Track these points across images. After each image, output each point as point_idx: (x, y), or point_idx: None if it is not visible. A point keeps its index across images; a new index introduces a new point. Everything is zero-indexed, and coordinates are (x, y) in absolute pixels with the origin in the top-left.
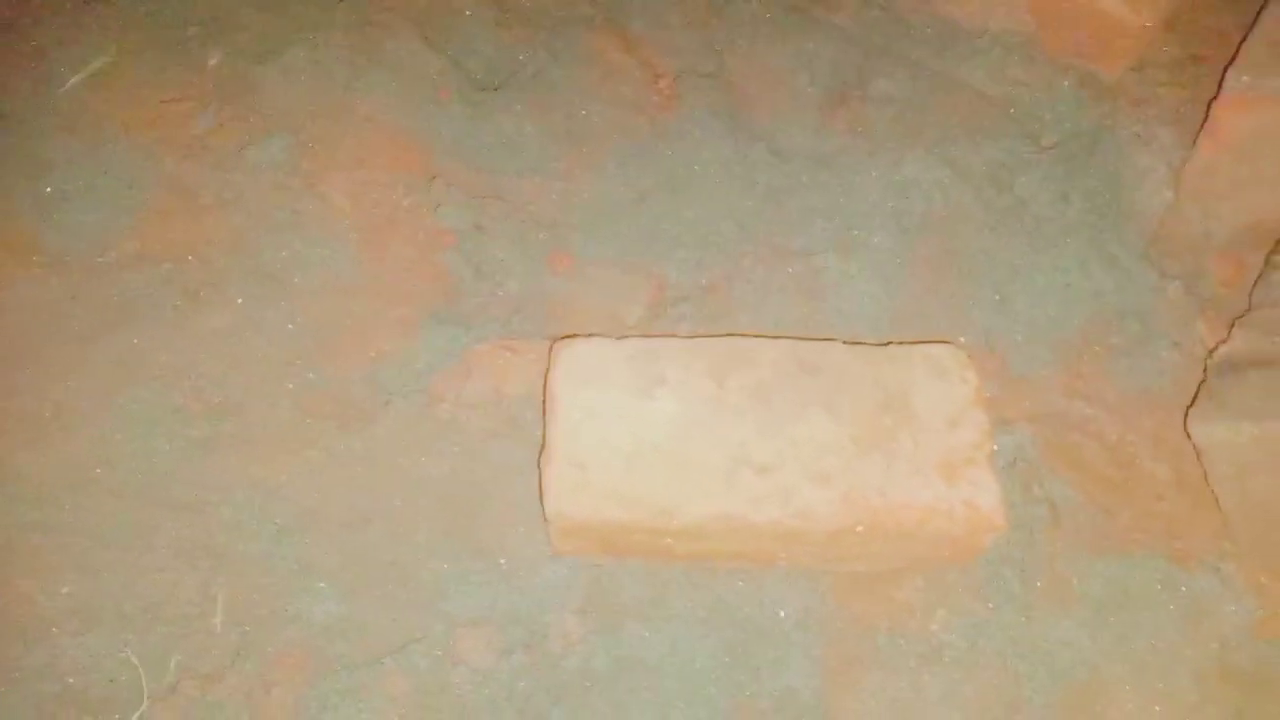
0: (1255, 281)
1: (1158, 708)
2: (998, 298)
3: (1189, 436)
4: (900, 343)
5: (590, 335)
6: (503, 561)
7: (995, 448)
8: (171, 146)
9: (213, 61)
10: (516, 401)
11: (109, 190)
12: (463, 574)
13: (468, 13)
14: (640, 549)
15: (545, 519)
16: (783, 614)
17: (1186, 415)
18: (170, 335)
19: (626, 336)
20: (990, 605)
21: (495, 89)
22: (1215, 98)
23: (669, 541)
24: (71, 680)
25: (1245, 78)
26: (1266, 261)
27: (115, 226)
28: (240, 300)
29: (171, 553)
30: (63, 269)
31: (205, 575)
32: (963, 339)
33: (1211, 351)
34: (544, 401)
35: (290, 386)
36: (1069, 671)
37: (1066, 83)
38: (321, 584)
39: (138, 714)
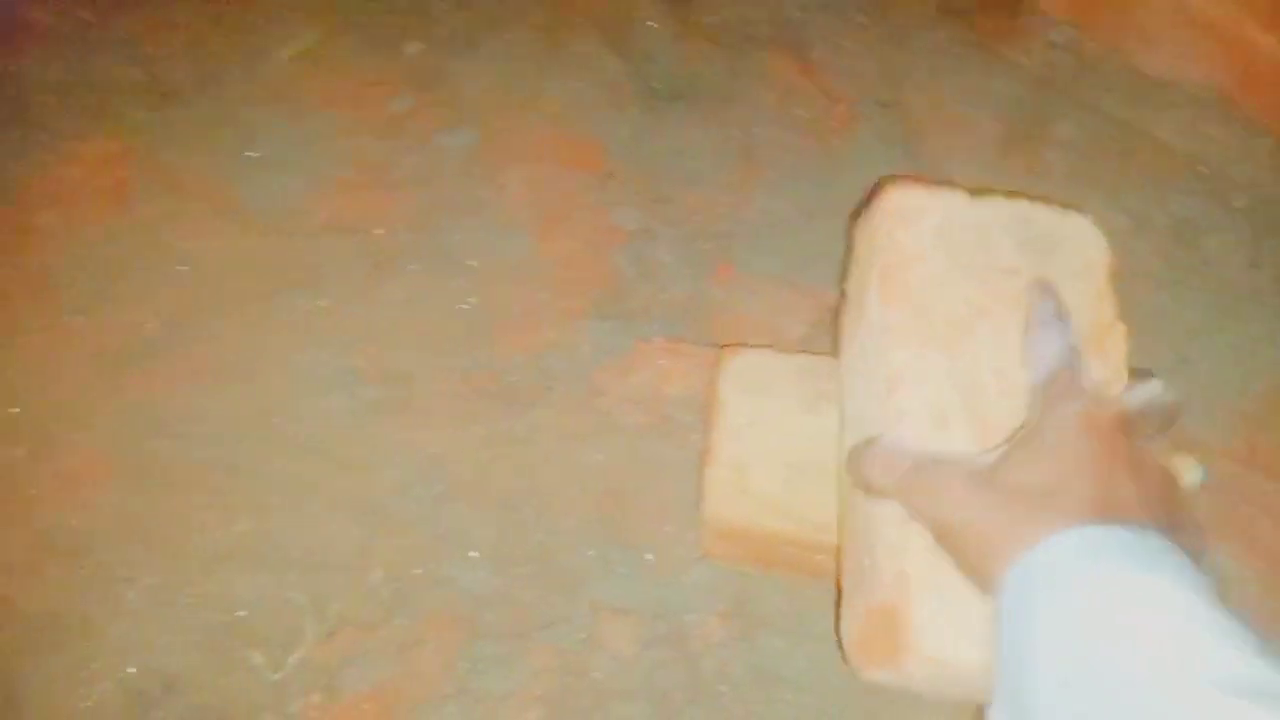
0: None
1: None
2: (1176, 359)
3: None
4: None
5: (758, 345)
6: (649, 557)
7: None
8: (368, 126)
9: (411, 50)
10: (675, 402)
11: (307, 161)
12: (609, 563)
13: (651, 24)
14: (790, 562)
15: (700, 520)
16: None
17: None
18: (352, 301)
19: (795, 352)
20: None
21: (673, 99)
22: None
23: (820, 559)
24: (241, 613)
25: None
26: None
27: (310, 195)
28: (420, 275)
29: (338, 506)
30: (259, 230)
31: (367, 531)
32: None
33: None
34: (706, 404)
35: (460, 362)
36: None
37: (1263, 146)
38: (474, 553)
39: (299, 653)
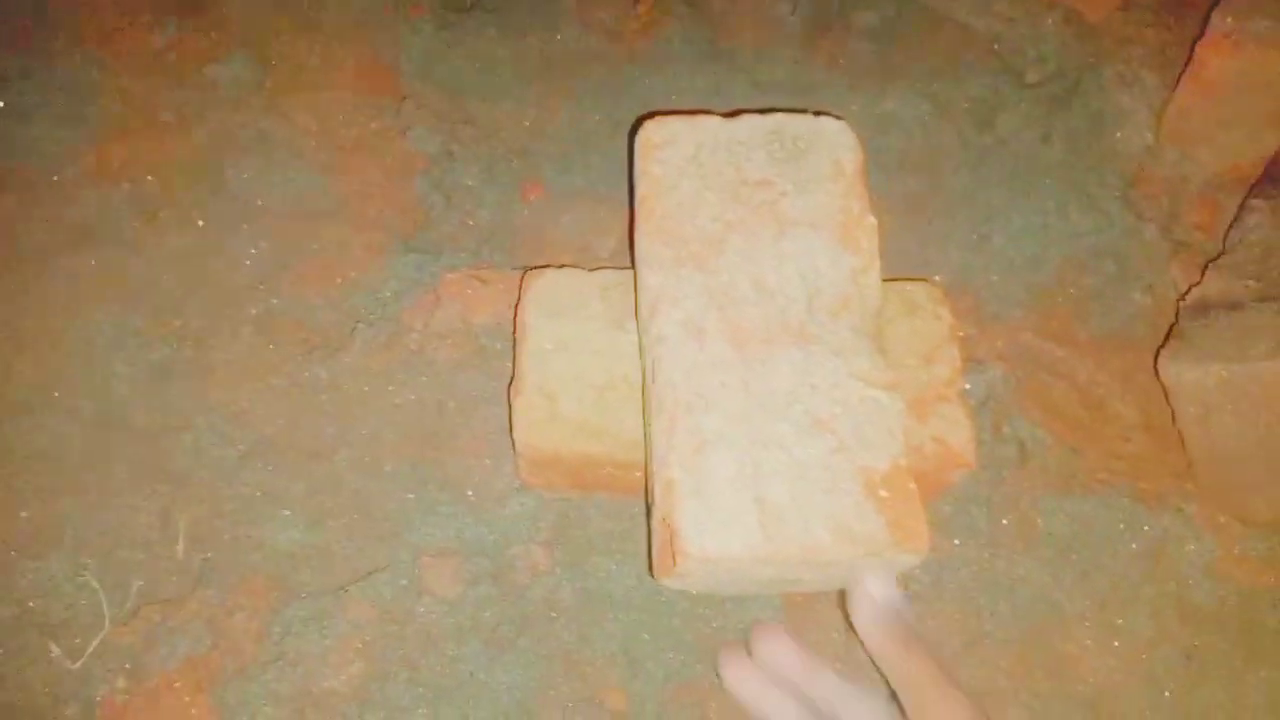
0: (1229, 225)
1: (1115, 643)
2: (975, 237)
3: (1158, 378)
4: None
5: (562, 265)
6: (470, 493)
7: (967, 386)
8: (128, 62)
9: None
10: (486, 332)
11: (64, 107)
12: (429, 504)
13: None
14: (609, 483)
15: (514, 450)
16: None
17: (1156, 357)
18: (128, 257)
19: (600, 268)
20: (956, 541)
21: (468, 9)
22: (1198, 39)
23: (638, 475)
24: (31, 604)
25: (1229, 20)
26: (1241, 205)
27: (71, 144)
28: (201, 222)
29: (131, 478)
30: (16, 187)
31: (166, 501)
32: (939, 277)
33: (1184, 294)
34: (514, 332)
35: (253, 312)
36: (1030, 607)
37: (1051, 20)
38: (285, 512)
39: (99, 638)
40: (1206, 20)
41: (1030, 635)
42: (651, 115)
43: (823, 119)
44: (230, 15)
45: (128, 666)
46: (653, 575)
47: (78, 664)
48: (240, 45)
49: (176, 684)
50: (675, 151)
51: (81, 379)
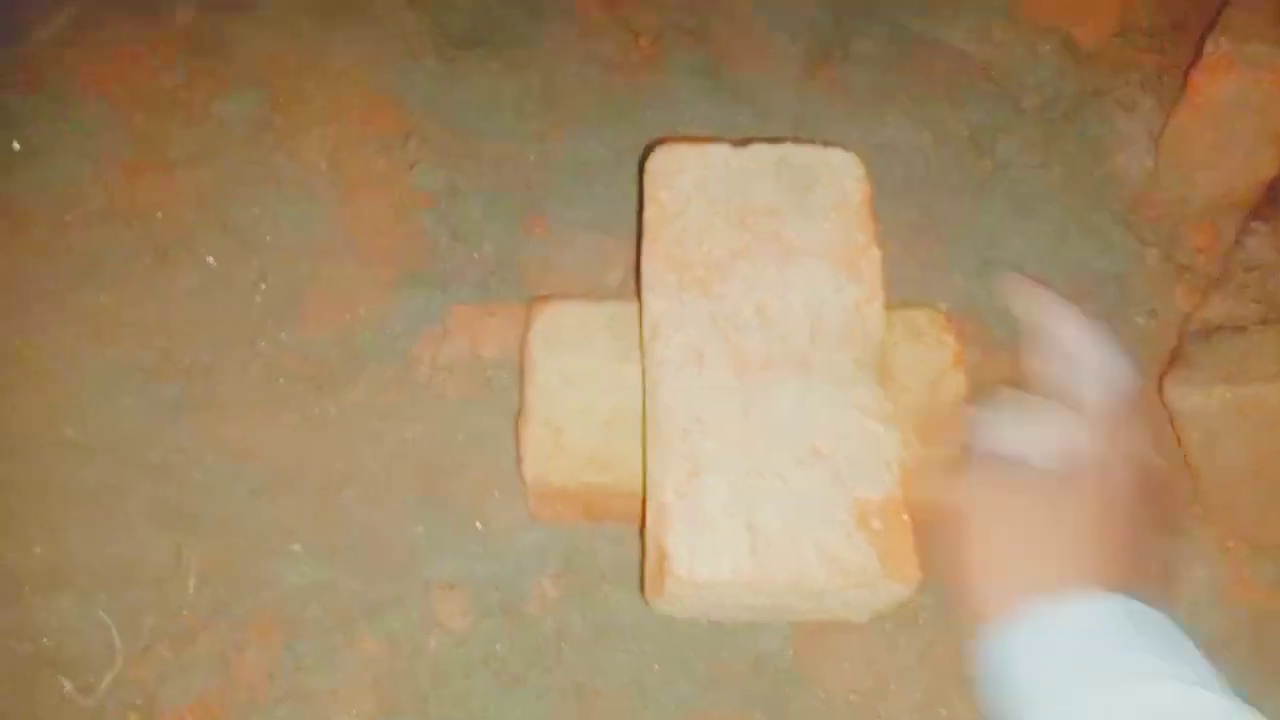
0: (1230, 249)
1: None
2: (978, 264)
3: (1162, 402)
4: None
5: (568, 297)
6: (479, 525)
7: (973, 412)
8: (140, 102)
9: (181, 16)
10: (493, 365)
11: (76, 146)
12: (439, 538)
13: None
14: (618, 514)
15: (522, 483)
16: None
17: (1161, 380)
18: (139, 294)
19: (606, 300)
20: None
21: (471, 45)
22: (1193, 64)
23: None
24: (45, 640)
25: (1223, 43)
26: (1242, 228)
27: (82, 183)
28: (210, 259)
29: (143, 515)
30: (29, 226)
31: (177, 537)
32: (943, 304)
33: (1187, 317)
34: (521, 365)
35: (263, 347)
36: None
37: (1048, 46)
38: (295, 547)
39: (112, 674)
40: (1200, 44)
41: None
42: (661, 142)
43: (831, 150)
44: (239, 54)
45: (140, 703)
46: (644, 600)
47: (91, 701)
48: (249, 84)
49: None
50: (683, 178)
51: (92, 416)
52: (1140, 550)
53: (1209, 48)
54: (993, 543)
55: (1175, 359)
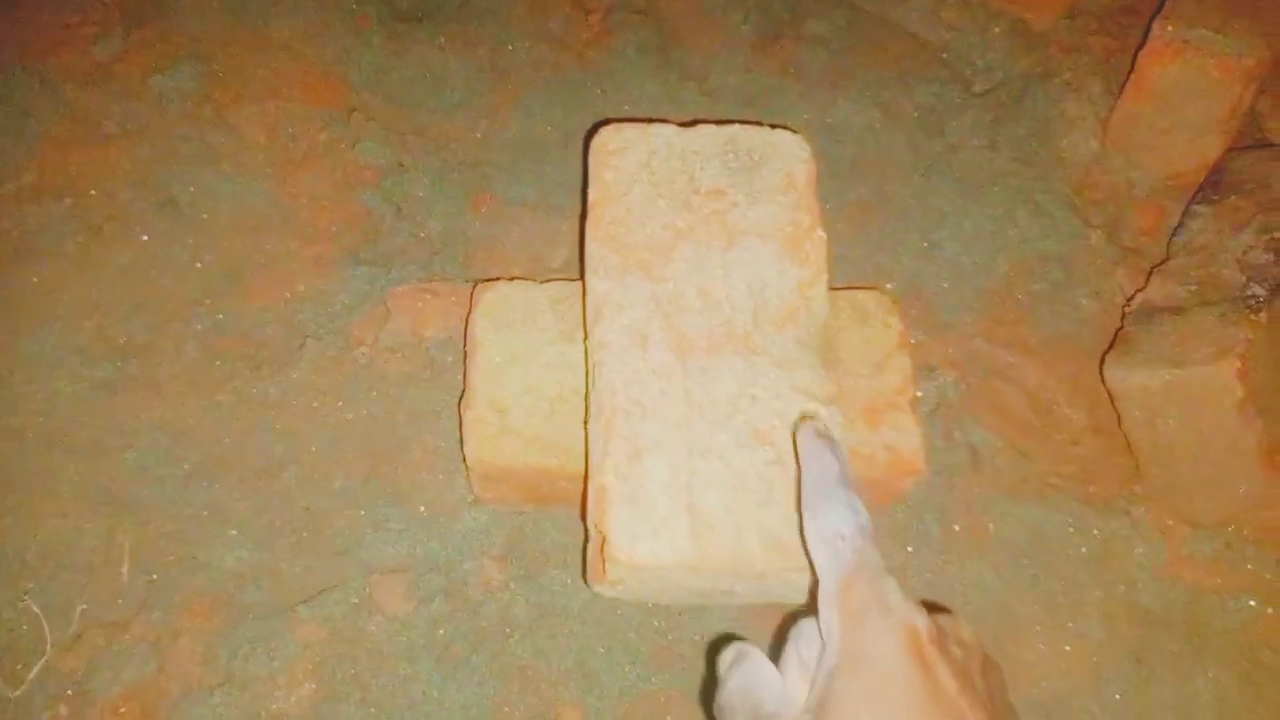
0: (1174, 231)
1: (1067, 647)
2: (925, 244)
3: (1104, 382)
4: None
5: (512, 278)
6: (422, 508)
7: (919, 393)
8: (72, 74)
9: None
10: (436, 345)
11: (4, 120)
12: (380, 521)
13: None
14: (563, 496)
15: (466, 465)
16: None
17: (1103, 361)
18: (71, 272)
19: (550, 279)
20: (910, 549)
21: (417, 20)
22: (1141, 47)
23: None
24: None
25: (1170, 28)
26: (1185, 211)
27: (11, 158)
28: (146, 236)
29: (74, 498)
30: None
31: (110, 521)
32: (890, 284)
33: (1129, 299)
34: (464, 345)
35: (199, 327)
36: (983, 613)
37: (998, 29)
38: (232, 531)
39: (41, 663)
40: (1148, 29)
41: (985, 640)
42: (607, 122)
43: (778, 131)
44: (177, 27)
45: (70, 693)
46: (586, 582)
47: (18, 691)
48: (187, 57)
49: (121, 710)
50: (628, 158)
51: (23, 397)
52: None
53: (1156, 32)
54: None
55: (1118, 340)
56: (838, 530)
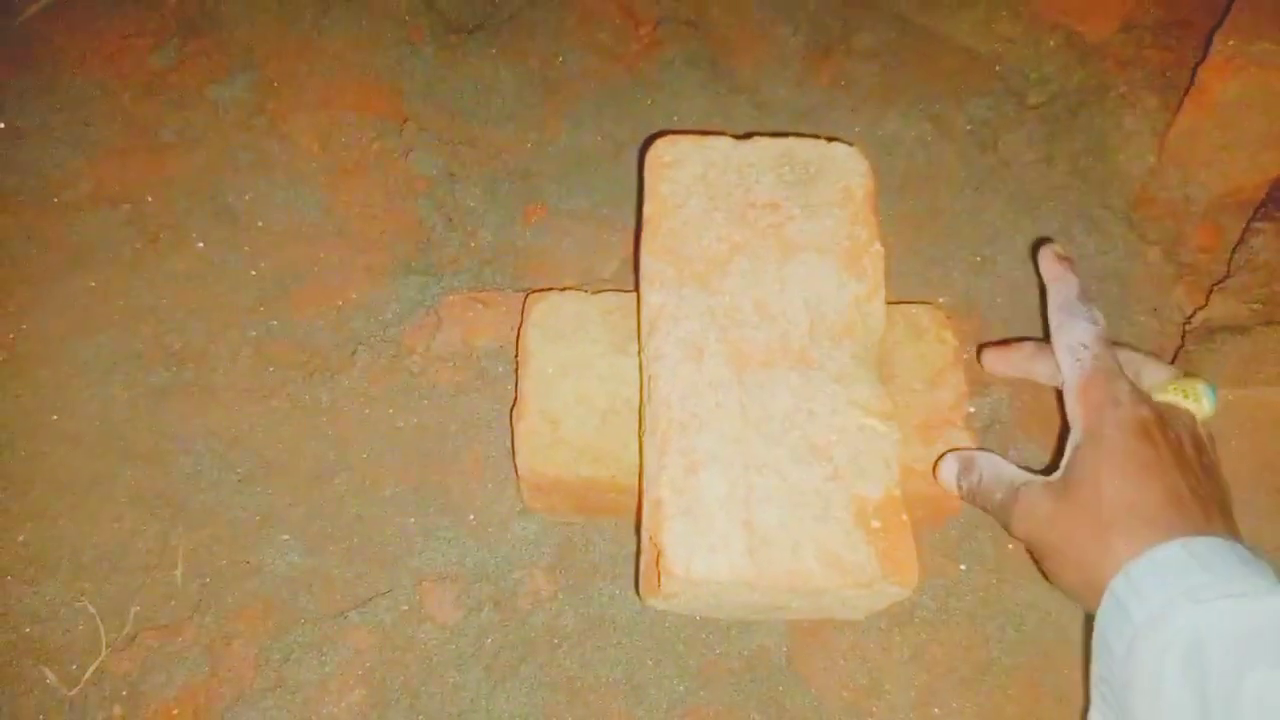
0: (1234, 248)
1: None
2: (979, 259)
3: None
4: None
5: (564, 288)
6: (471, 517)
7: (972, 409)
8: (129, 83)
9: None
10: (487, 355)
11: (64, 128)
12: (430, 529)
13: None
14: (613, 507)
15: (516, 475)
16: None
17: None
18: (128, 279)
19: (602, 290)
20: (962, 567)
21: (469, 31)
22: (1201, 61)
23: None
24: (28, 629)
25: (1231, 42)
26: (1245, 228)
27: (71, 165)
28: (201, 244)
29: (130, 502)
30: (16, 209)
31: (164, 525)
32: (943, 299)
33: (1189, 318)
34: (516, 355)
35: (253, 334)
36: (1038, 633)
37: (1053, 42)
38: (285, 536)
39: (95, 664)
40: (1208, 42)
41: (1038, 662)
42: (663, 134)
43: (835, 144)
44: (232, 37)
45: (124, 694)
46: (639, 595)
47: (74, 691)
48: (242, 67)
49: (174, 712)
50: (684, 171)
51: (80, 402)
52: (1194, 475)
53: (1216, 45)
54: (1125, 480)
55: (1177, 359)
56: (1080, 340)
